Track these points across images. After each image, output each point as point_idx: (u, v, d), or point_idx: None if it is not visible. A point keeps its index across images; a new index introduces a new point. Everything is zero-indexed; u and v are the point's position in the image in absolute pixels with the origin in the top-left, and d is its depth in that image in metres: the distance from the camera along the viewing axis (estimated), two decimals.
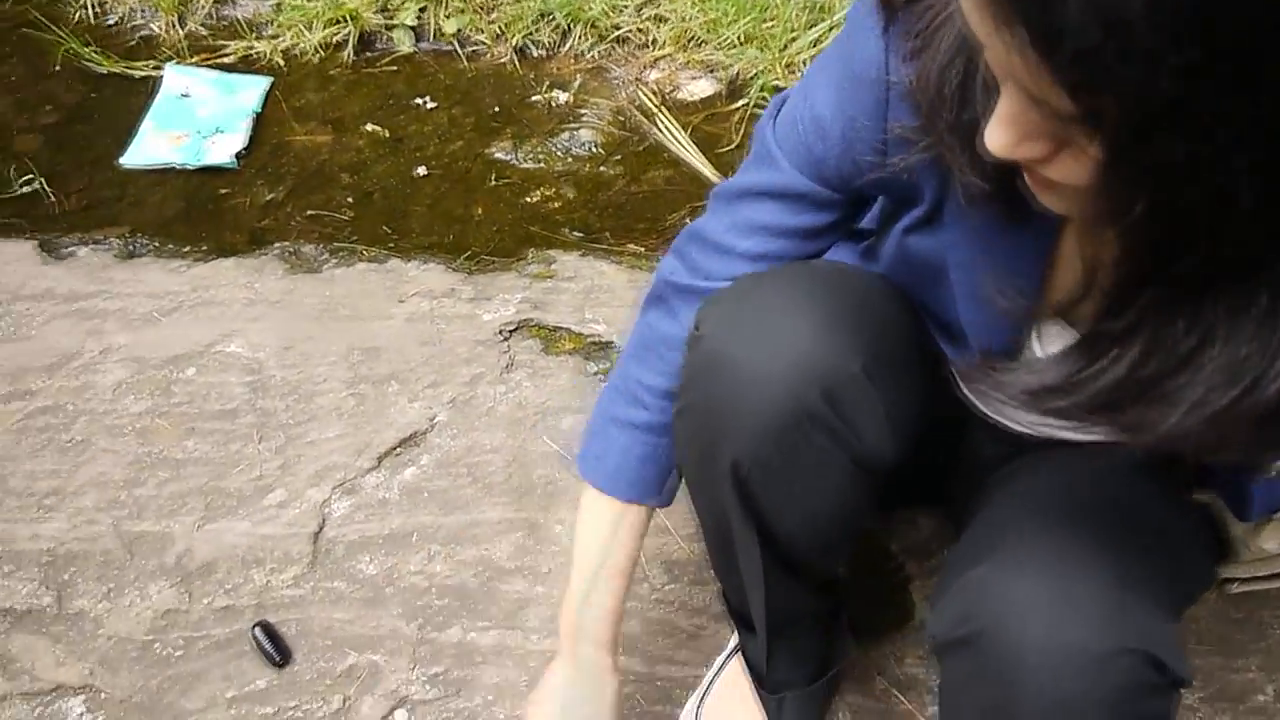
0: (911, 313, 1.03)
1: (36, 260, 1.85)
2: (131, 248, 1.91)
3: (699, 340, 0.95)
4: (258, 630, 1.40)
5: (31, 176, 2.00)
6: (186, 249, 1.92)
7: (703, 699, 1.34)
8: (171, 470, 1.54)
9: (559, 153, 2.09)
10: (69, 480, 1.56)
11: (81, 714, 1.39)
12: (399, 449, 1.56)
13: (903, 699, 1.37)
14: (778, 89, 2.13)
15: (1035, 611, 0.81)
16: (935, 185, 0.89)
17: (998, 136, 0.65)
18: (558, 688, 1.11)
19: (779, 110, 0.98)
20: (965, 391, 0.76)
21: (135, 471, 1.54)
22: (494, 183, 2.04)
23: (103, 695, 1.40)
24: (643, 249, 1.90)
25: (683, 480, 1.10)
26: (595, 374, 1.62)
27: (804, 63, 2.19)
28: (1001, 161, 0.67)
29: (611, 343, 1.64)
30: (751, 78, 2.18)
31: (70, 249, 1.90)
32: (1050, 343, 0.90)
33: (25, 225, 1.96)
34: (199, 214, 1.99)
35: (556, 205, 2.00)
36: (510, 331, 1.69)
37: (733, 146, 2.09)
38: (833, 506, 0.97)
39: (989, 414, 0.74)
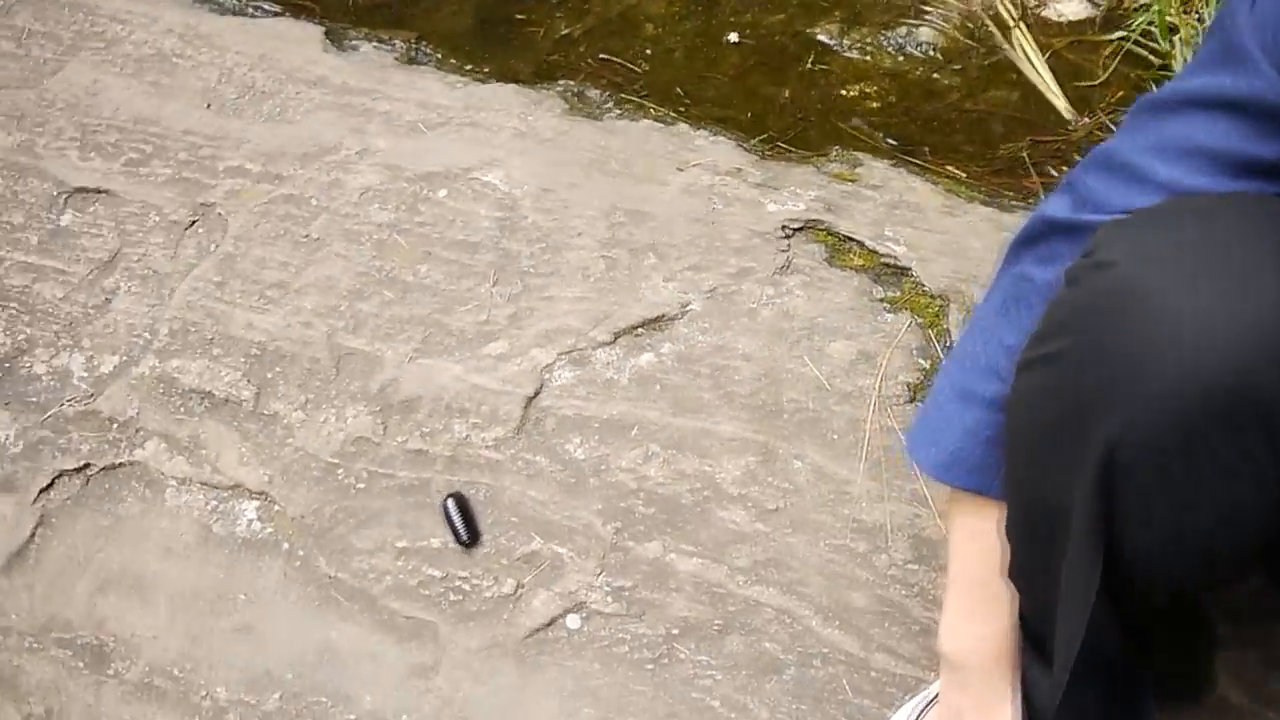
0: None
1: (319, 47, 1.75)
2: (414, 54, 1.79)
3: (1099, 269, 0.68)
4: (450, 503, 1.25)
5: None
6: (469, 67, 1.78)
7: (923, 713, 1.11)
8: (398, 292, 1.42)
9: (890, 48, 1.82)
10: (296, 276, 1.45)
11: (252, 521, 1.31)
12: (641, 330, 1.37)
13: None
14: (1172, 30, 1.77)
15: None
16: None
17: None
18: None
19: None
20: None
21: (362, 284, 1.42)
22: (809, 66, 1.79)
23: (275, 507, 1.31)
24: (964, 175, 1.62)
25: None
26: (880, 300, 1.38)
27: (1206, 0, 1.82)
28: None
29: (909, 269, 1.39)
30: (1137, 9, 1.82)
31: (355, 42, 1.80)
32: None
33: (318, 10, 1.88)
34: (490, 34, 1.84)
35: (875, 105, 1.74)
36: (794, 230, 1.46)
37: (1097, 83, 1.75)
38: (1225, 537, 0.69)
39: None
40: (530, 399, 1.33)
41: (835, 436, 1.29)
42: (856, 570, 1.22)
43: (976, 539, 0.90)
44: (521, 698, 1.19)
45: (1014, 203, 1.56)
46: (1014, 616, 0.91)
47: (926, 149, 1.66)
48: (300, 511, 1.29)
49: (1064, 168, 1.68)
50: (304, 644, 1.22)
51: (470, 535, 1.24)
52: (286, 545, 1.29)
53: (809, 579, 1.22)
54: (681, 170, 1.55)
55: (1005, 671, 0.92)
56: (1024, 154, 1.67)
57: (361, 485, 1.30)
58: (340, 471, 1.31)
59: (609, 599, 1.23)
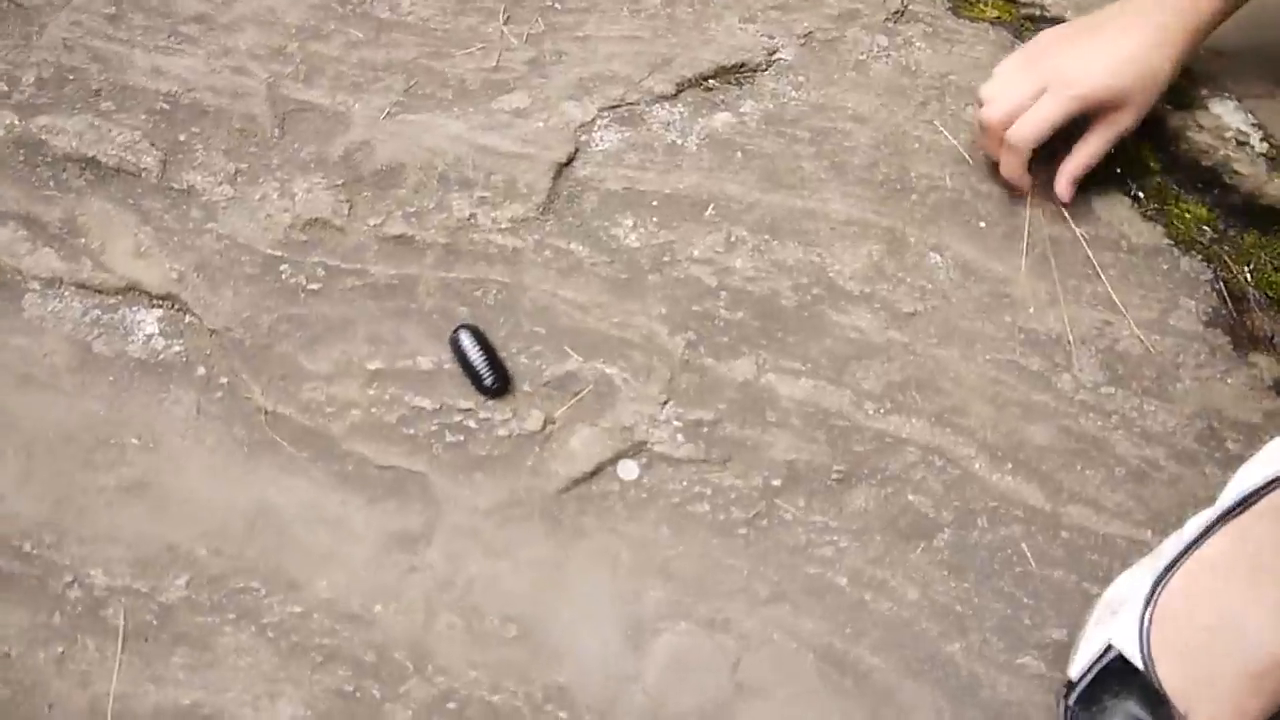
0: None
1: None
2: None
3: None
4: (465, 336, 0.87)
5: None
6: None
7: (1161, 585, 0.77)
8: (369, 30, 1.01)
9: None
10: (224, 7, 1.03)
11: (152, 336, 0.91)
12: (714, 80, 1.00)
13: None
14: None
15: None
16: None
17: None
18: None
19: None
20: None
21: (318, 19, 1.01)
22: None
23: (188, 317, 0.92)
24: None
25: None
26: None
27: None
28: None
29: (1063, 19, 1.07)
30: None
31: None
32: None
33: None
34: None
35: None
36: None
37: None
38: None
39: None
40: (562, 166, 0.94)
41: (984, 224, 0.95)
42: (1032, 394, 0.86)
43: None
44: (556, 576, 0.81)
45: None
46: None
47: None
48: (225, 322, 0.91)
49: None
50: (227, 507, 0.83)
51: (497, 378, 0.85)
52: (203, 369, 0.90)
53: (968, 406, 0.85)
54: None
55: None
56: None
57: (315, 286, 0.92)
58: (285, 267, 0.92)
59: (680, 438, 0.87)
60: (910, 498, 0.84)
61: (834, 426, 0.86)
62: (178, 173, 0.94)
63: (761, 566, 0.82)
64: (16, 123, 0.95)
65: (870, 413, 0.86)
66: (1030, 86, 0.88)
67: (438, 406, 0.87)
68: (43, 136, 0.95)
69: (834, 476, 0.84)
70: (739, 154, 0.95)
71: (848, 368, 0.87)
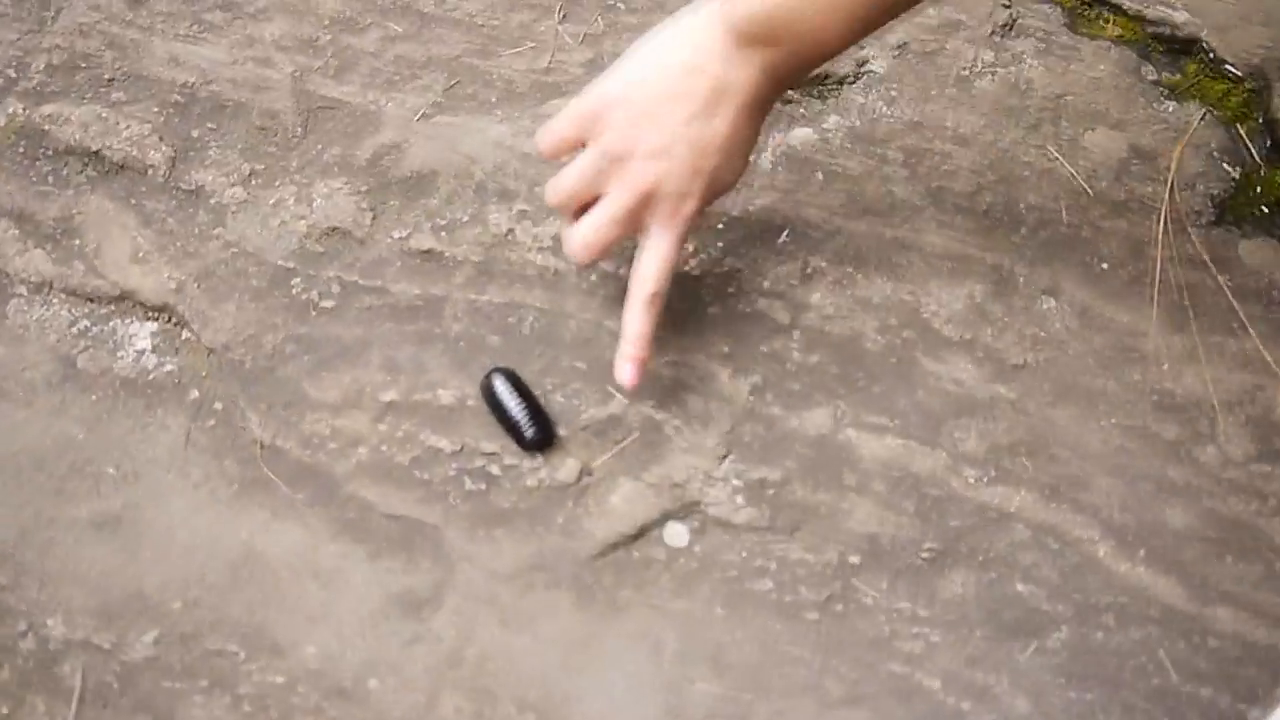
0: None
1: None
2: None
3: None
4: (499, 383, 0.74)
5: None
6: None
7: None
8: (411, 24, 0.89)
9: None
10: None
11: (144, 352, 0.80)
12: (793, 92, 0.87)
13: None
14: None
15: None
16: None
17: None
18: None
19: None
20: None
21: (355, 10, 0.90)
22: None
23: (185, 333, 0.80)
24: None
25: None
26: (1155, 83, 0.89)
27: None
28: None
29: (1198, 40, 0.93)
30: None
31: None
32: None
33: None
34: None
35: None
36: None
37: None
38: None
39: None
40: None
41: (1105, 265, 0.81)
42: (1168, 468, 0.71)
43: None
44: (585, 658, 0.67)
45: None
46: None
47: None
48: (225, 339, 0.80)
49: None
50: (208, 552, 0.71)
51: (540, 431, 0.72)
52: (195, 393, 0.78)
53: (1089, 478, 0.71)
54: None
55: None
56: None
57: (329, 304, 0.81)
58: (296, 281, 0.81)
59: (740, 499, 0.73)
60: (1019, 587, 0.69)
61: (926, 495, 0.72)
62: (187, 171, 0.84)
63: (834, 660, 0.68)
64: (20, 111, 0.86)
65: (970, 481, 0.72)
66: None
67: (458, 448, 0.75)
68: (46, 127, 0.85)
69: (924, 555, 0.70)
70: (820, 174, 0.83)
71: (944, 426, 0.74)
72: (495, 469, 0.74)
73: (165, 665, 0.69)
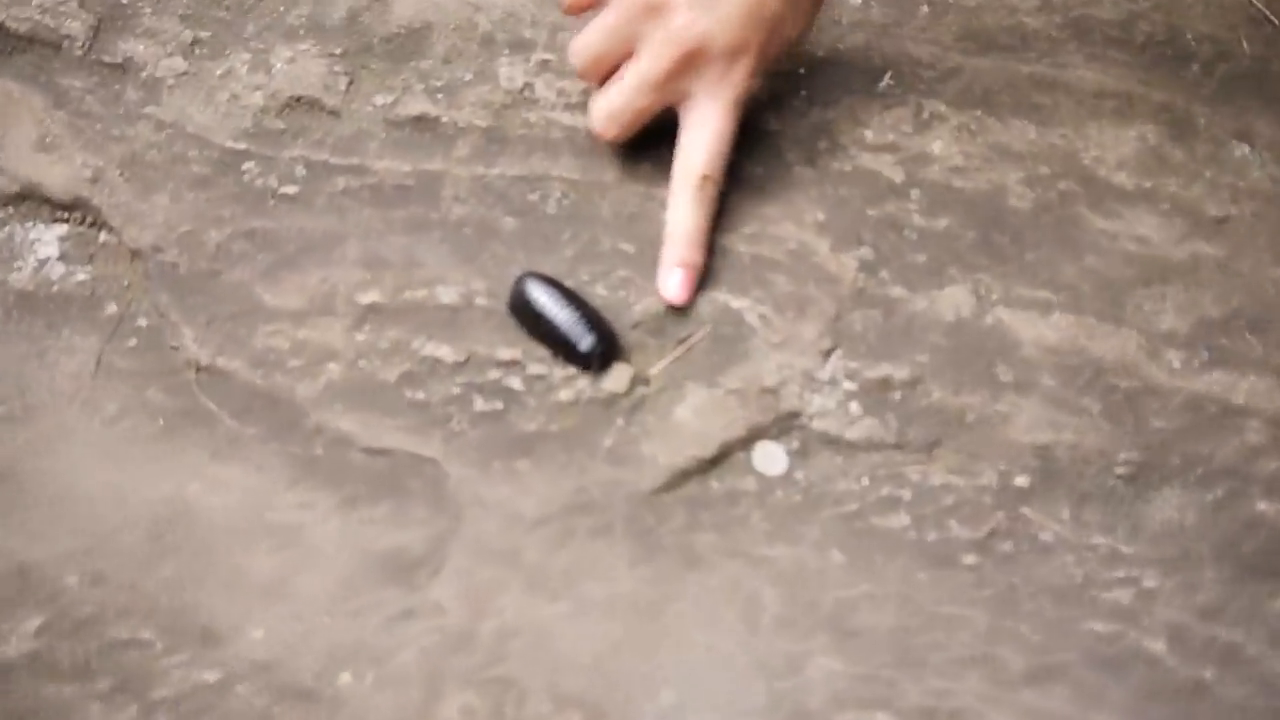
0: None
1: None
2: None
3: None
4: (532, 286, 0.54)
5: None
6: None
7: None
8: None
9: None
10: None
11: (47, 260, 0.60)
12: None
13: None
14: None
15: None
16: None
17: None
18: None
19: None
20: None
21: None
22: None
23: (102, 236, 0.60)
24: None
25: None
26: None
27: None
28: None
29: None
30: None
31: None
32: None
33: None
34: None
35: None
36: None
37: None
38: None
39: None
40: None
41: None
42: None
43: None
44: (650, 631, 0.48)
45: None
46: None
47: None
48: (154, 239, 0.61)
49: None
50: (121, 509, 0.52)
51: (601, 340, 0.53)
52: (114, 306, 0.60)
53: None
54: None
55: None
56: None
57: (291, 189, 0.62)
58: (250, 165, 0.62)
59: (856, 408, 0.53)
60: (1260, 506, 0.50)
61: (1115, 388, 0.52)
62: (113, 42, 0.66)
63: (1008, 620, 0.48)
64: None
65: (1176, 366, 0.53)
66: None
67: (463, 359, 0.56)
68: None
69: (1121, 471, 0.51)
70: (925, 6, 0.64)
71: (1129, 297, 0.54)
72: (516, 382, 0.55)
73: (50, 663, 0.49)
